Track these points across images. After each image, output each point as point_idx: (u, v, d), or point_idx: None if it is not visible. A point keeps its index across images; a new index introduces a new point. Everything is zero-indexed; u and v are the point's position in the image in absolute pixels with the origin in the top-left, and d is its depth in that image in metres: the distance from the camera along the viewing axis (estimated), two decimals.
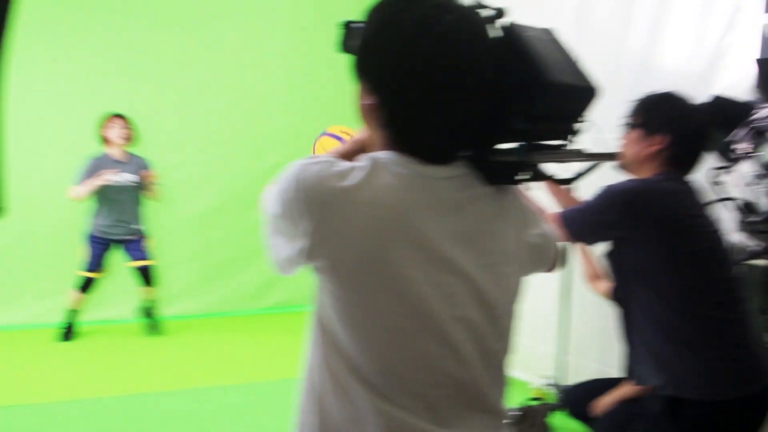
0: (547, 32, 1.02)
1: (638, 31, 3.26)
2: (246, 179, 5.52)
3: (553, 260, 1.19)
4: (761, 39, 2.80)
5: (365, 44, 0.98)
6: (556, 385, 3.45)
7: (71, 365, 4.21)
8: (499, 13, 0.99)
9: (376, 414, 0.94)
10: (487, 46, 0.96)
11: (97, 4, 5.13)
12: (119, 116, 4.73)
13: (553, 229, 1.20)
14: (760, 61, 2.40)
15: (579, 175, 1.06)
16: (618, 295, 3.05)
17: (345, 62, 1.02)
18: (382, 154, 0.98)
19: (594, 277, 3.23)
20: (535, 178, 1.06)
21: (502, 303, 1.02)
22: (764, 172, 2.28)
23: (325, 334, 0.98)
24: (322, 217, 0.92)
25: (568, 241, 1.86)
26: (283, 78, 5.65)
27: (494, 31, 0.98)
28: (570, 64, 0.99)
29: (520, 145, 0.97)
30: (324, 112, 5.75)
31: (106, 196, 4.62)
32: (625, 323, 3.00)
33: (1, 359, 4.23)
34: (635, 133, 1.97)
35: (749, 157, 2.27)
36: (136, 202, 4.78)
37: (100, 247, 4.69)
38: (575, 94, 0.98)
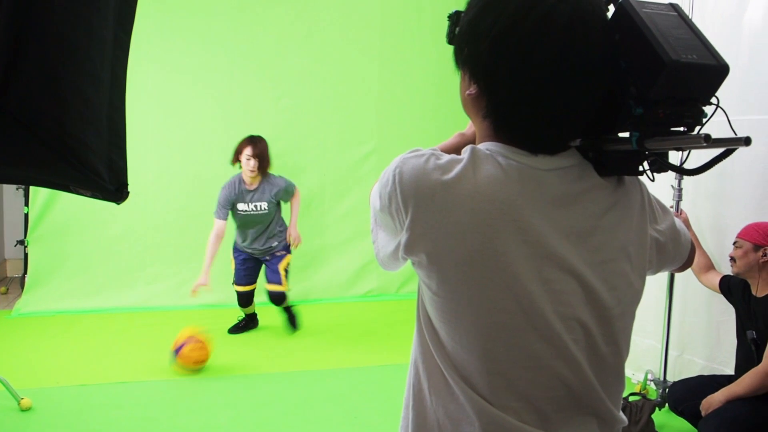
0: (670, 7, 0.92)
1: (754, 8, 3.04)
2: (338, 169, 5.65)
3: (684, 257, 1.12)
4: None
5: (464, 31, 0.94)
6: (660, 381, 3.30)
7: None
8: None
9: (478, 414, 0.90)
10: (599, 26, 0.89)
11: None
12: (251, 142, 4.37)
13: (680, 223, 1.12)
14: None
15: (708, 165, 0.92)
16: (728, 289, 2.90)
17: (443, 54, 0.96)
18: (486, 146, 0.94)
19: (703, 268, 3.08)
20: (657, 168, 0.96)
21: (615, 303, 0.94)
22: None
23: (426, 330, 0.96)
24: (421, 211, 0.89)
25: None
26: (375, 69, 5.71)
27: (609, 10, 0.91)
28: (695, 41, 0.88)
29: (636, 132, 0.89)
30: (414, 100, 5.78)
31: (237, 222, 4.50)
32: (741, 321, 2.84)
33: (117, 338, 4.53)
34: None
35: None
36: (272, 226, 4.53)
37: (243, 260, 4.59)
38: (700, 74, 0.87)
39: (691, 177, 3.16)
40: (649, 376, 3.40)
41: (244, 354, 4.33)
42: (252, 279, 4.64)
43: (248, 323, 4.88)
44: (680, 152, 0.99)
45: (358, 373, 3.99)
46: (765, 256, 2.69)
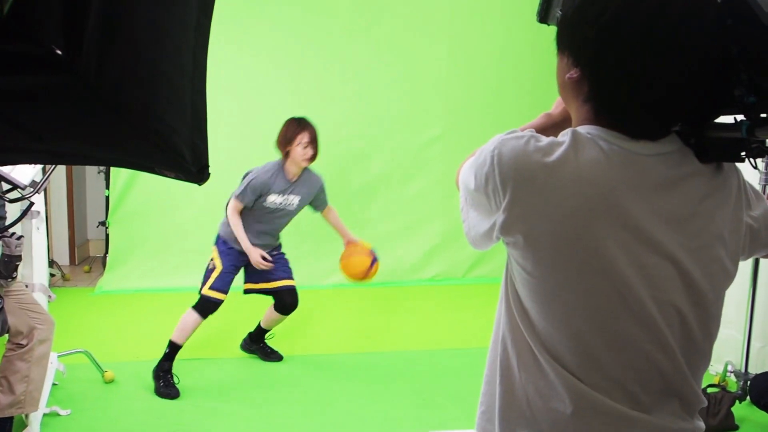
0: None
1: None
2: (405, 154, 5.65)
3: None
4: None
5: (571, 14, 0.94)
6: (741, 373, 3.17)
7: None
8: None
9: (568, 390, 0.92)
10: (713, 14, 0.87)
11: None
12: (309, 128, 3.71)
13: None
14: None
15: None
16: None
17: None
18: (587, 129, 0.94)
19: None
20: (756, 154, 0.94)
21: (710, 289, 0.94)
22: None
23: (516, 309, 0.97)
24: (521, 193, 0.89)
25: None
26: (443, 54, 5.66)
27: None
28: None
29: (744, 120, 0.86)
30: (482, 84, 5.71)
31: (254, 215, 3.68)
32: None
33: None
34: None
35: None
36: (284, 226, 3.81)
37: (236, 258, 3.69)
38: None
39: None
40: (729, 368, 3.27)
41: (314, 335, 4.42)
42: (228, 287, 3.65)
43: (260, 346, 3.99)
44: None
45: (425, 356, 4.01)
46: None
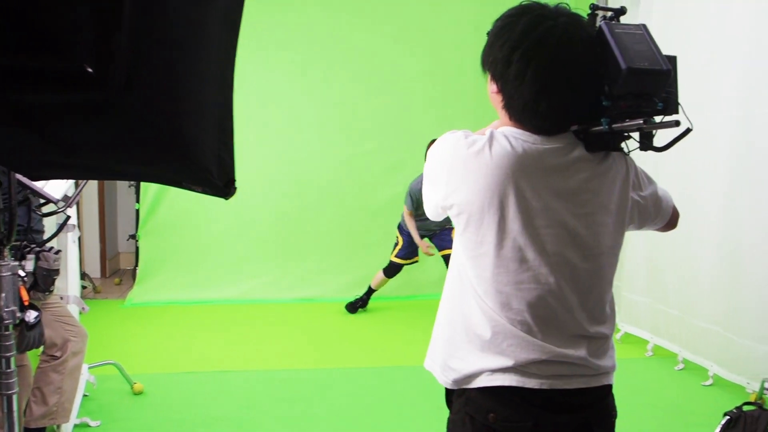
0: (638, 27, 1.23)
1: None
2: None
3: (664, 220, 1.42)
4: None
5: (489, 45, 1.27)
6: None
7: (269, 339, 4.61)
8: (618, 12, 1.26)
9: (488, 321, 1.25)
10: (585, 44, 1.20)
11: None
12: None
13: (665, 192, 1.41)
14: None
15: (669, 144, 1.23)
16: None
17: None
18: (502, 129, 1.27)
19: None
20: (641, 147, 1.26)
21: (597, 244, 1.27)
22: None
23: (459, 267, 1.30)
24: (454, 173, 1.24)
25: None
26: (469, 65, 5.67)
27: (594, 31, 1.22)
28: (650, 52, 1.19)
29: (606, 118, 1.19)
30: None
31: (422, 216, 4.74)
32: None
33: (221, 329, 4.75)
34: None
35: None
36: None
37: (411, 238, 4.97)
38: (650, 77, 1.18)
39: None
40: (766, 385, 3.17)
41: (339, 347, 4.42)
42: (415, 253, 5.08)
43: (365, 301, 5.22)
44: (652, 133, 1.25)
45: None
46: None
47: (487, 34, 1.29)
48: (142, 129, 0.90)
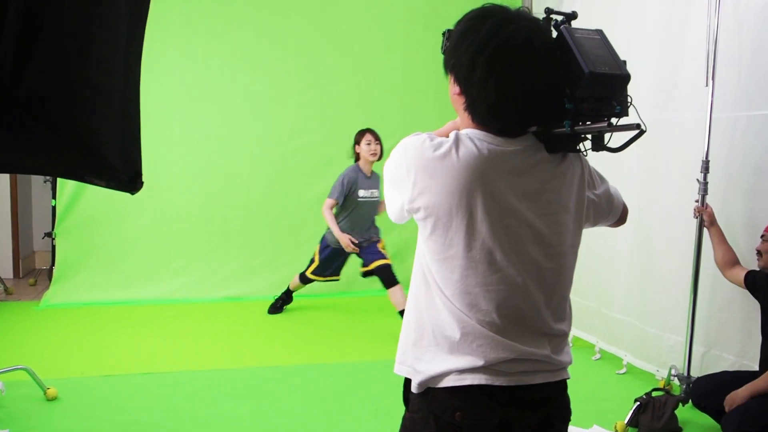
0: (596, 32, 1.28)
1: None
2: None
3: (615, 217, 1.48)
4: None
5: (452, 46, 1.28)
6: (684, 377, 3.25)
7: (194, 338, 4.51)
8: (569, 17, 1.31)
9: (457, 322, 1.26)
10: (545, 47, 1.23)
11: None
12: (369, 131, 4.60)
13: (615, 190, 1.48)
14: None
15: (624, 145, 1.28)
16: (754, 284, 2.84)
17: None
18: (467, 131, 1.28)
19: (727, 263, 3.02)
20: (594, 148, 1.30)
21: (559, 243, 1.31)
22: None
23: (425, 269, 1.30)
24: (420, 176, 1.24)
25: None
26: (399, 62, 5.69)
27: (554, 35, 1.26)
28: (609, 57, 1.24)
29: (568, 121, 1.22)
30: (437, 92, 5.76)
31: (350, 209, 4.57)
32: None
33: (142, 330, 4.60)
34: None
35: None
36: (373, 214, 4.67)
37: (334, 254, 4.69)
38: (611, 81, 1.22)
39: (718, 175, 3.13)
40: (673, 372, 3.34)
41: (265, 346, 4.37)
42: (336, 273, 4.82)
43: (285, 300, 5.09)
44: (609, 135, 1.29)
45: (377, 367, 4.00)
46: None
47: (443, 34, 1.32)
48: (33, 121, 0.86)
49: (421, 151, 1.24)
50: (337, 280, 4.91)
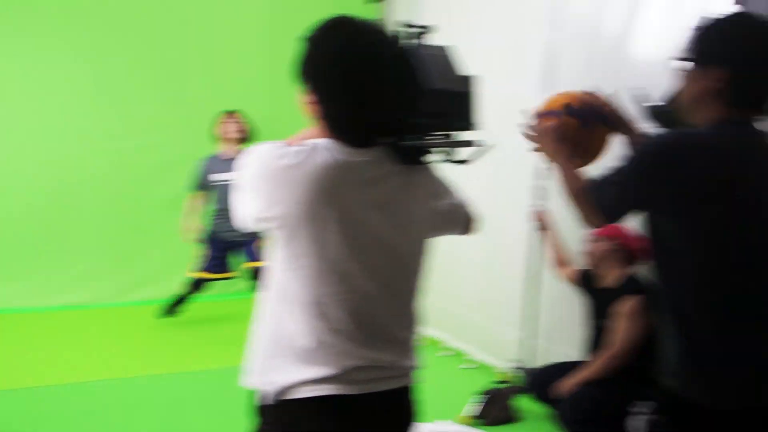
0: (442, 49, 1.32)
1: (615, 16, 3.29)
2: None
3: (463, 226, 1.52)
4: None
5: (306, 57, 1.28)
6: (522, 369, 3.50)
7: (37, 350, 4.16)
8: (425, 30, 1.33)
9: (311, 331, 1.27)
10: (396, 62, 1.26)
11: None
12: (233, 113, 4.60)
13: (463, 200, 1.51)
14: None
15: (470, 158, 1.36)
16: (583, 282, 3.13)
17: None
18: (321, 141, 1.28)
19: (559, 262, 3.29)
20: (444, 160, 1.35)
21: (408, 253, 1.35)
22: None
23: (278, 278, 1.30)
24: (272, 186, 1.23)
25: (600, 222, 1.62)
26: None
27: (404, 49, 1.28)
28: (452, 74, 1.28)
29: (412, 135, 1.27)
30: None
31: (219, 197, 4.45)
32: (589, 312, 3.08)
33: None
34: (689, 70, 1.50)
35: None
36: None
37: (216, 248, 4.59)
38: (452, 98, 1.28)
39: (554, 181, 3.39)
40: (512, 365, 3.59)
41: (107, 356, 4.12)
42: (227, 268, 4.67)
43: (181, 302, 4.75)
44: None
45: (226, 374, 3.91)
46: (611, 247, 2.94)
47: (304, 41, 1.29)
48: None
49: (272, 160, 1.24)
50: (231, 278, 4.73)
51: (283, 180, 1.22)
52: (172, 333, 4.63)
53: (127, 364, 3.96)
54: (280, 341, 1.30)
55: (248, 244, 4.58)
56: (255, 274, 4.55)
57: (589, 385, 2.82)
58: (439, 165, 1.41)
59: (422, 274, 1.41)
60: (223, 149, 4.55)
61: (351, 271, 1.27)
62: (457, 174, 1.50)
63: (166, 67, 5.32)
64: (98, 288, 5.18)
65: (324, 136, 1.29)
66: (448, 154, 1.36)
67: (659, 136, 1.52)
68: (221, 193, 4.42)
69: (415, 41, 1.32)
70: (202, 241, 4.63)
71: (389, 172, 1.31)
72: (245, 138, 4.57)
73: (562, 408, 2.83)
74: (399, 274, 1.35)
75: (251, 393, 1.37)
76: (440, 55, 1.30)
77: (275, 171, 1.23)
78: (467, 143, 1.30)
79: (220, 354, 4.16)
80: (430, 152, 1.35)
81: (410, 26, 1.34)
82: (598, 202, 1.56)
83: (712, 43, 1.48)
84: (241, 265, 4.67)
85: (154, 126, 5.25)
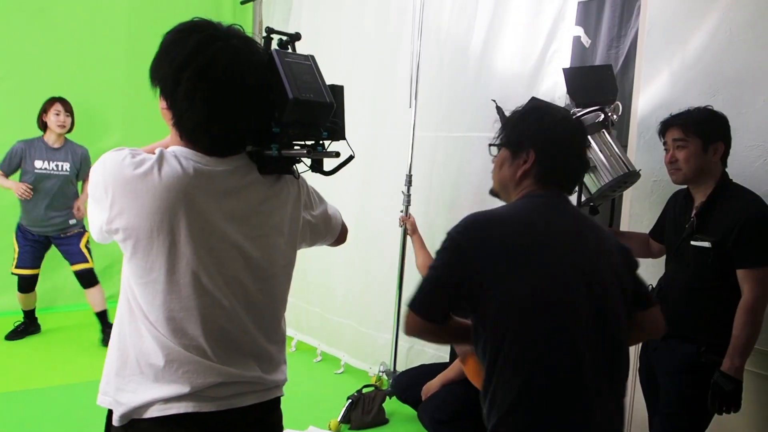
0: (306, 57, 1.29)
1: (476, 34, 3.43)
2: None
3: (334, 236, 1.50)
4: (572, 49, 3.04)
5: (157, 59, 1.21)
6: (390, 372, 3.55)
7: None
8: (292, 38, 1.31)
9: (161, 348, 1.20)
10: (256, 69, 1.21)
11: None
12: (60, 100, 4.27)
13: (334, 210, 1.49)
14: (566, 71, 2.60)
15: (335, 169, 1.34)
16: None
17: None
18: (173, 149, 1.22)
19: (426, 267, 3.37)
20: (314, 169, 1.34)
21: (270, 265, 1.30)
22: None
23: (128, 293, 1.23)
24: (118, 196, 1.16)
25: (419, 327, 1.49)
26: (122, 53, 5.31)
27: (264, 57, 1.24)
28: (317, 84, 1.26)
29: (275, 144, 1.23)
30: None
31: (36, 186, 4.16)
32: None
33: None
34: (502, 155, 1.62)
35: None
36: (68, 194, 4.28)
37: (30, 242, 4.26)
38: (316, 108, 1.24)
39: (421, 188, 3.49)
40: (382, 368, 3.63)
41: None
42: (38, 262, 4.33)
43: (28, 326, 4.49)
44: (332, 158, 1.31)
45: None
46: None
47: (160, 43, 1.23)
48: None
49: (120, 168, 1.16)
50: (36, 274, 4.38)
51: (132, 190, 1.15)
52: (17, 348, 4.30)
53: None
54: (130, 359, 1.23)
55: (70, 243, 4.32)
56: (85, 278, 4.32)
57: (452, 385, 2.89)
58: (307, 175, 1.38)
59: (287, 287, 1.37)
60: (47, 137, 4.27)
61: (205, 285, 1.20)
62: (331, 179, 1.47)
63: (24, 52, 4.96)
64: None
65: (179, 144, 1.23)
66: (314, 164, 1.33)
67: (459, 224, 1.50)
68: (37, 181, 4.18)
69: (279, 49, 1.28)
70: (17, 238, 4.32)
71: (252, 182, 1.26)
72: (69, 128, 4.30)
73: (425, 409, 2.88)
74: (261, 286, 1.29)
75: (105, 412, 1.30)
76: (303, 64, 1.27)
77: (122, 180, 1.15)
78: (328, 153, 1.28)
79: (71, 369, 3.91)
80: (295, 162, 1.32)
81: (275, 33, 1.31)
82: (415, 304, 1.47)
83: (520, 129, 1.60)
84: (71, 268, 4.36)
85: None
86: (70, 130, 4.33)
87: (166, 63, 1.19)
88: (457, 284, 1.44)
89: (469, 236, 1.46)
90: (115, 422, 1.25)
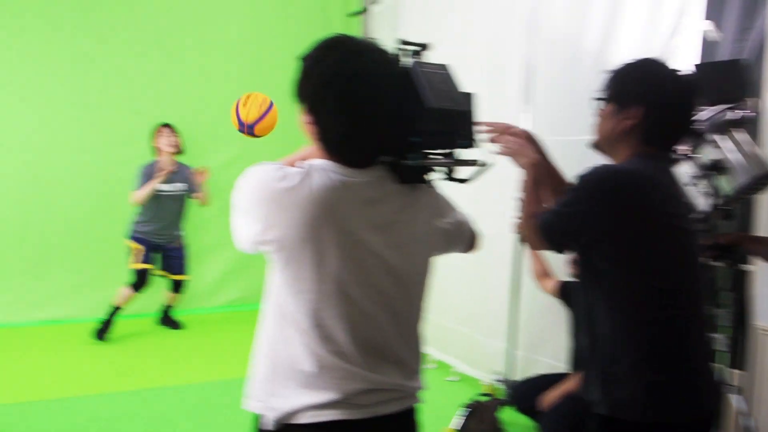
0: (442, 67, 1.31)
1: (593, 32, 3.32)
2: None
3: (467, 243, 1.51)
4: (701, 44, 2.87)
5: (303, 76, 1.26)
6: (506, 381, 3.48)
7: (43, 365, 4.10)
8: (422, 48, 1.32)
9: (311, 356, 1.24)
10: (394, 80, 1.26)
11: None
12: (167, 126, 4.78)
13: (465, 217, 1.50)
14: (698, 66, 2.46)
15: (472, 177, 1.35)
16: (566, 294, 3.13)
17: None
18: (319, 162, 1.27)
19: (541, 274, 3.29)
20: (449, 178, 1.36)
21: (410, 274, 1.33)
22: (702, 173, 2.32)
23: (276, 301, 1.28)
24: (268, 209, 1.22)
25: (545, 249, 1.68)
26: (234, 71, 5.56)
27: (402, 68, 1.28)
28: (455, 92, 1.28)
29: (414, 154, 1.26)
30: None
31: (154, 202, 4.66)
32: (575, 325, 3.07)
33: None
34: (607, 108, 1.67)
35: (688, 158, 2.32)
36: (180, 211, 4.85)
37: (144, 244, 4.72)
38: (454, 116, 1.27)
39: None
40: (498, 377, 3.58)
41: (93, 371, 4.06)
42: (150, 261, 4.75)
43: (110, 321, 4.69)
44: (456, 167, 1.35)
45: (218, 388, 3.88)
46: None
47: (300, 60, 1.28)
48: None
49: (268, 182, 1.22)
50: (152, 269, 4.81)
51: (281, 203, 1.20)
52: (154, 346, 4.59)
53: (108, 380, 3.91)
54: (280, 365, 1.27)
55: (176, 255, 4.86)
56: (176, 287, 4.90)
57: (572, 397, 2.80)
58: (439, 183, 1.39)
59: (425, 294, 1.39)
60: (162, 159, 4.71)
61: (352, 293, 1.24)
62: (446, 189, 1.48)
63: (144, 80, 5.30)
64: (77, 303, 5.12)
65: (321, 157, 1.28)
66: (449, 172, 1.35)
67: (596, 169, 1.58)
68: (163, 202, 4.69)
69: (412, 59, 1.30)
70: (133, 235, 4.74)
71: (390, 192, 1.30)
72: (179, 151, 4.79)
73: (545, 421, 2.81)
74: (402, 294, 1.32)
75: (254, 416, 1.34)
76: (439, 73, 1.29)
77: (272, 194, 1.21)
78: (469, 162, 1.30)
79: (205, 367, 4.12)
80: (431, 171, 1.33)
81: (407, 44, 1.33)
82: (544, 230, 1.64)
83: (628, 84, 1.65)
84: (162, 273, 4.87)
85: (132, 139, 5.18)
86: (181, 151, 4.79)
87: (313, 79, 1.24)
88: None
89: (605, 188, 1.56)
90: (267, 426, 1.29)
